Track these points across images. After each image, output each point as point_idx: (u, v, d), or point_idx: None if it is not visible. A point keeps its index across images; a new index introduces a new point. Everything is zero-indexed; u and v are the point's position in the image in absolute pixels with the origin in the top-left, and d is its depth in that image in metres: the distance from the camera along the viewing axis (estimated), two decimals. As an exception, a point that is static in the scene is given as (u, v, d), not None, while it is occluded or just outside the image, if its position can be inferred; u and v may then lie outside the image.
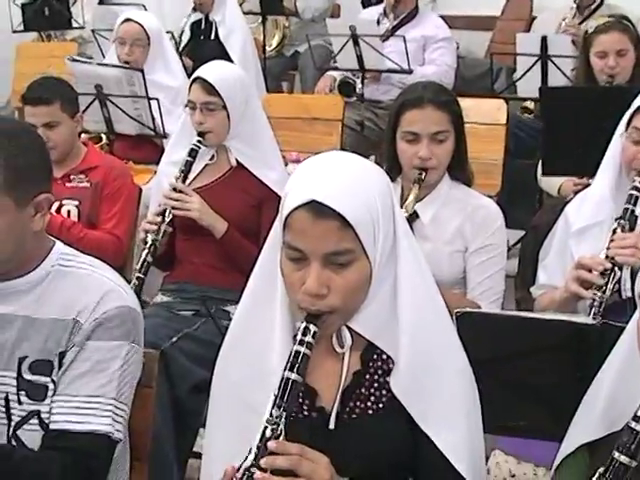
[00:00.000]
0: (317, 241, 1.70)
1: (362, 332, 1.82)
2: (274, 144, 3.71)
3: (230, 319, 1.99)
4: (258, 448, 1.64)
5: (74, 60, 5.10)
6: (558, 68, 5.04)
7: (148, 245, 3.45)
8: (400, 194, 3.06)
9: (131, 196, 3.93)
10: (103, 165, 3.91)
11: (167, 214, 3.47)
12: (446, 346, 1.86)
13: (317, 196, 1.69)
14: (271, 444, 1.63)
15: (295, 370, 1.68)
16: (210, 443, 1.96)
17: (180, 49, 6.26)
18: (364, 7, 7.03)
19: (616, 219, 2.77)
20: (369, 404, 1.85)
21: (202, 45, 6.31)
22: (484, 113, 4.85)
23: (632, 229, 2.77)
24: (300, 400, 1.83)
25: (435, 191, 3.08)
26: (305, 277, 1.72)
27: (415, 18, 5.98)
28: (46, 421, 2.09)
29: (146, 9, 6.69)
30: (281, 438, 1.65)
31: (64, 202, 3.79)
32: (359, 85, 5.74)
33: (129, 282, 3.08)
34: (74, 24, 7.38)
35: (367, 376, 1.86)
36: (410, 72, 5.59)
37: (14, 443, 2.10)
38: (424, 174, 3.00)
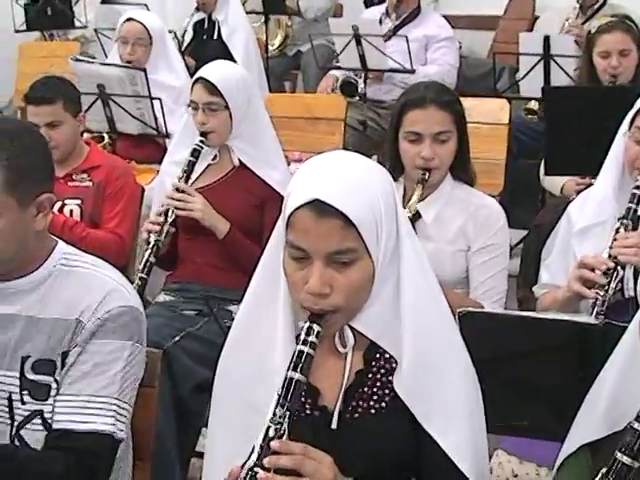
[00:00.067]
0: (320, 240, 1.70)
1: (365, 332, 1.82)
2: (276, 144, 3.71)
3: (233, 319, 1.99)
4: (261, 447, 1.64)
5: (77, 60, 5.10)
6: (561, 68, 5.03)
7: (151, 245, 3.45)
8: (402, 194, 3.06)
9: (133, 195, 3.93)
10: (105, 164, 3.91)
11: (170, 214, 3.47)
12: (449, 346, 1.86)
13: (320, 195, 1.69)
14: (274, 443, 1.63)
15: (299, 370, 1.68)
16: (212, 443, 1.96)
17: (183, 48, 6.26)
18: (366, 7, 7.03)
19: (619, 218, 2.77)
20: (372, 403, 1.85)
21: (205, 44, 6.31)
22: (487, 113, 4.85)
23: (635, 228, 2.77)
24: (302, 399, 1.83)
25: (437, 191, 3.08)
26: (308, 276, 1.72)
27: (417, 18, 5.97)
28: (49, 421, 2.10)
29: (149, 8, 6.68)
30: (284, 437, 1.65)
31: (66, 201, 3.79)
32: (361, 85, 5.73)
33: (132, 282, 3.09)
34: (77, 24, 7.38)
35: (370, 375, 1.86)
36: (412, 72, 5.58)
37: (17, 443, 2.10)
38: (427, 174, 3.00)
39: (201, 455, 2.13)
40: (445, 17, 6.14)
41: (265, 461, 1.62)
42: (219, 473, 1.73)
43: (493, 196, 3.46)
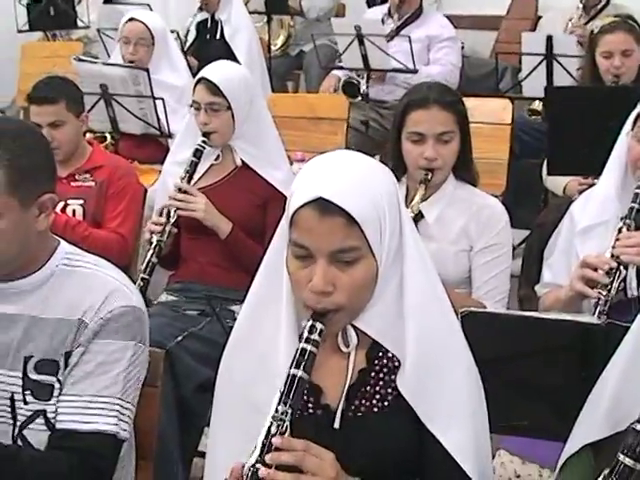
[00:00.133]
0: (323, 238, 1.71)
1: (368, 331, 1.82)
2: (279, 144, 3.71)
3: (235, 319, 1.99)
4: (263, 444, 1.64)
5: (79, 60, 5.10)
6: (563, 68, 5.03)
7: (153, 246, 3.45)
8: (405, 194, 3.06)
9: (136, 195, 3.93)
10: (108, 164, 3.91)
11: (172, 215, 3.47)
12: (452, 345, 1.86)
13: (324, 193, 1.70)
14: (276, 440, 1.63)
15: (301, 367, 1.68)
16: (214, 442, 1.96)
17: (185, 48, 6.26)
18: (369, 7, 7.03)
19: (621, 218, 2.77)
20: (374, 402, 1.85)
21: (207, 44, 6.31)
22: (489, 113, 4.85)
23: (638, 228, 2.77)
24: (305, 398, 1.83)
25: (440, 191, 3.08)
26: (311, 275, 1.73)
27: (419, 18, 5.97)
28: (52, 421, 2.09)
29: (151, 9, 6.69)
30: (286, 435, 1.65)
31: (69, 201, 3.79)
32: (364, 85, 5.73)
33: (134, 282, 3.09)
34: (79, 24, 7.38)
35: (372, 374, 1.86)
36: (415, 72, 5.58)
37: (20, 443, 2.10)
38: (430, 175, 3.00)
39: (203, 455, 2.14)
40: (447, 17, 6.14)
41: (267, 458, 1.62)
42: (220, 472, 1.73)
43: (496, 196, 3.46)
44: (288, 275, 1.79)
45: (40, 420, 2.10)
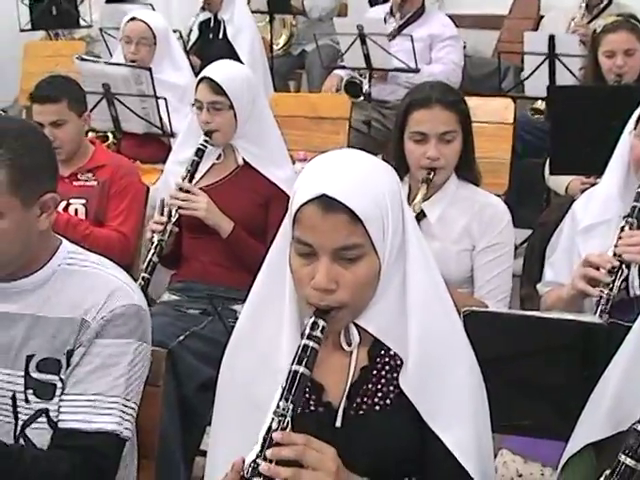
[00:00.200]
0: (326, 235, 1.71)
1: (370, 329, 1.83)
2: (281, 143, 3.71)
3: (237, 318, 1.99)
4: (264, 440, 1.64)
5: (82, 59, 5.10)
6: (566, 67, 5.02)
7: (154, 245, 3.46)
8: (407, 194, 3.06)
9: (138, 194, 3.93)
10: (110, 164, 3.91)
11: (173, 214, 3.47)
12: (454, 344, 1.86)
13: (327, 190, 1.70)
14: (276, 435, 1.63)
15: (303, 364, 1.69)
16: (215, 440, 1.96)
17: (188, 48, 6.26)
18: (371, 6, 7.02)
19: (624, 217, 2.77)
20: (376, 400, 1.85)
21: (210, 44, 6.31)
22: (491, 112, 4.84)
23: (640, 227, 2.77)
24: (307, 395, 1.83)
25: (442, 190, 3.08)
26: (314, 272, 1.73)
27: (422, 17, 5.97)
28: (54, 420, 2.10)
29: (154, 8, 6.69)
30: (287, 430, 1.65)
31: (71, 201, 3.80)
32: (366, 85, 5.73)
33: (136, 281, 3.09)
34: (82, 23, 7.38)
35: (374, 372, 1.86)
36: (417, 71, 5.59)
37: (22, 442, 2.10)
38: (432, 174, 3.00)
39: (205, 454, 2.13)
40: (450, 16, 6.14)
41: (267, 453, 1.62)
42: (221, 470, 1.73)
43: (498, 195, 3.46)
44: (291, 273, 1.79)
45: (42, 419, 2.10)
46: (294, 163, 4.11)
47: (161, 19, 5.43)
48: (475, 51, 7.30)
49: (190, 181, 3.52)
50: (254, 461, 1.63)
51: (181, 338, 3.23)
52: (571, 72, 5.02)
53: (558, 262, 2.96)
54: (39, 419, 2.10)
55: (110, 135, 5.00)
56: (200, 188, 3.52)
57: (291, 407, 1.65)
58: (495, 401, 1.92)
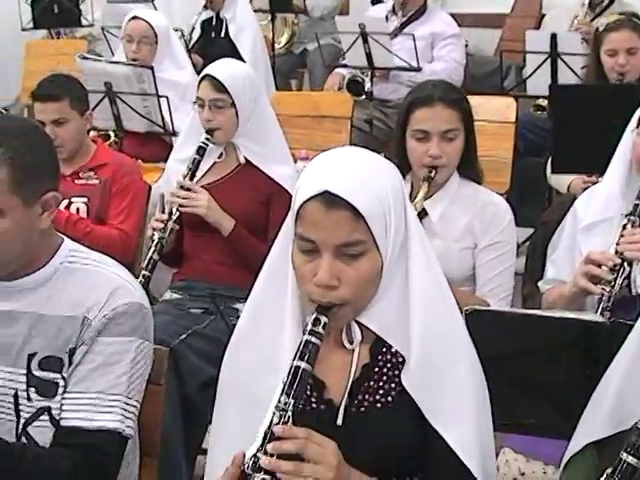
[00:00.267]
0: (329, 232, 1.71)
1: (372, 327, 1.83)
2: (283, 142, 3.71)
3: (239, 317, 1.99)
4: (265, 434, 1.64)
5: (84, 58, 5.11)
6: (568, 66, 5.02)
7: (154, 243, 3.46)
8: (409, 192, 3.06)
9: (140, 192, 3.93)
10: (112, 162, 3.91)
11: (174, 212, 3.48)
12: (457, 342, 1.86)
13: (330, 187, 1.71)
14: (277, 428, 1.63)
15: (305, 359, 1.69)
16: (215, 436, 1.96)
17: (190, 46, 6.26)
18: (373, 4, 7.02)
19: (626, 215, 2.77)
20: (378, 397, 1.85)
21: (212, 42, 6.31)
22: (493, 111, 4.84)
23: (643, 225, 2.77)
24: (308, 392, 1.83)
25: (444, 189, 3.08)
26: (316, 269, 1.73)
27: (424, 15, 5.96)
28: (57, 417, 2.10)
29: (156, 7, 6.69)
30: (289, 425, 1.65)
31: (73, 199, 3.80)
32: (368, 83, 5.73)
33: (137, 279, 3.09)
34: (83, 22, 7.38)
35: (376, 369, 1.86)
36: (419, 70, 5.59)
37: (24, 440, 2.10)
38: (434, 172, 3.00)
39: (207, 452, 2.15)
40: (452, 15, 6.14)
41: (268, 447, 1.62)
42: (222, 465, 1.72)
43: (500, 194, 3.46)
44: (293, 270, 1.80)
45: (45, 417, 2.10)
46: (296, 162, 4.11)
47: (162, 18, 5.44)
48: (477, 50, 7.30)
49: (191, 179, 3.52)
50: (255, 455, 1.63)
51: (183, 337, 3.23)
52: (573, 71, 5.01)
53: (560, 260, 2.96)
54: (41, 417, 2.10)
55: (112, 134, 5.01)
56: (201, 186, 3.52)
57: (292, 402, 1.66)
58: (497, 400, 1.92)
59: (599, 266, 2.70)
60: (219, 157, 3.62)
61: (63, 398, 2.09)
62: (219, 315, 3.36)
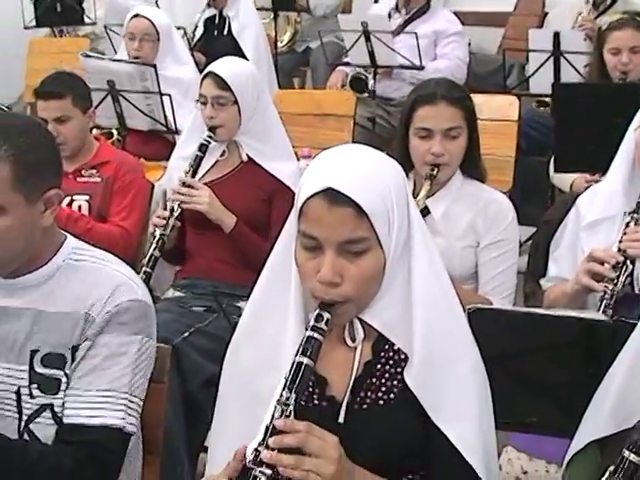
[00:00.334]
0: (332, 229, 1.72)
1: (374, 324, 1.83)
2: (286, 139, 3.71)
3: (241, 315, 1.99)
4: (267, 428, 1.64)
5: (87, 56, 5.10)
6: (571, 64, 5.01)
7: (156, 240, 3.46)
8: (412, 190, 3.05)
9: (142, 190, 3.93)
10: (115, 160, 3.92)
11: (175, 208, 3.48)
12: (459, 340, 1.86)
13: (333, 184, 1.71)
14: (279, 422, 1.63)
15: (307, 355, 1.69)
16: (216, 434, 1.96)
17: (193, 44, 6.27)
18: (375, 1, 7.01)
19: (629, 213, 2.77)
20: (380, 394, 1.85)
21: (215, 40, 6.32)
22: (496, 109, 4.83)
23: (645, 223, 2.77)
24: (310, 389, 1.84)
25: (446, 187, 3.08)
26: (319, 266, 1.74)
27: (427, 13, 5.96)
28: (59, 414, 2.10)
29: (158, 5, 6.69)
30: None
31: (75, 197, 3.80)
32: (371, 81, 5.72)
33: (138, 276, 3.09)
34: (86, 20, 7.39)
35: (378, 366, 1.86)
36: (421, 68, 5.58)
37: (26, 437, 2.10)
38: (436, 170, 3.00)
39: (209, 450, 2.15)
40: (454, 13, 6.13)
41: (270, 441, 1.62)
42: (223, 461, 1.72)
43: (502, 193, 3.45)
44: (297, 267, 1.80)
45: (47, 414, 2.10)
46: (298, 160, 4.10)
47: (164, 15, 5.45)
48: (480, 48, 7.29)
49: (193, 176, 3.53)
50: (256, 449, 1.63)
51: (186, 335, 3.24)
52: (576, 69, 5.01)
53: (562, 257, 2.95)
54: (43, 414, 2.10)
55: (115, 132, 5.01)
56: (204, 184, 3.52)
57: (294, 397, 1.66)
58: (500, 398, 1.92)
59: (602, 264, 2.70)
60: (221, 155, 3.62)
61: (65, 395, 2.10)
62: (221, 313, 3.37)
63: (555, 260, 2.98)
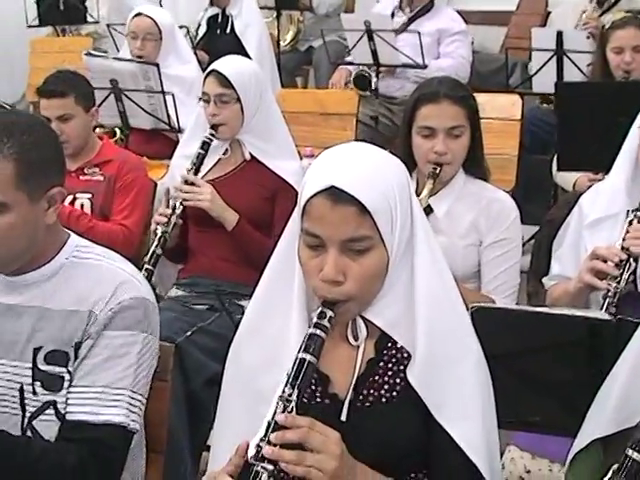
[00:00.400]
0: (335, 227, 1.72)
1: (377, 322, 1.83)
2: (289, 138, 3.71)
3: (244, 313, 1.99)
4: (268, 424, 1.64)
5: (90, 54, 5.11)
6: (574, 63, 5.02)
7: (157, 237, 3.46)
8: (415, 189, 3.05)
9: (144, 189, 3.93)
10: (117, 159, 3.92)
11: (178, 206, 3.48)
12: (462, 339, 1.86)
13: (336, 182, 1.71)
14: (281, 417, 1.63)
15: (310, 351, 1.69)
16: (219, 431, 1.97)
17: (196, 43, 6.27)
18: (378, 0, 7.01)
19: (632, 211, 2.77)
20: (382, 392, 1.85)
21: (218, 39, 6.32)
22: (499, 108, 4.83)
23: (648, 221, 2.77)
24: (313, 387, 1.84)
25: (449, 186, 3.08)
26: (322, 264, 1.74)
27: (430, 11, 5.95)
28: (62, 412, 2.10)
29: (161, 4, 6.69)
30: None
31: (77, 195, 3.81)
32: (374, 80, 5.72)
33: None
34: (89, 19, 7.40)
35: (381, 364, 1.86)
36: (424, 67, 5.58)
37: (29, 434, 2.11)
38: (439, 169, 2.99)
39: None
40: (457, 12, 6.13)
41: (272, 436, 1.62)
42: (225, 458, 1.72)
43: (505, 192, 3.45)
44: (300, 265, 1.80)
45: (50, 411, 2.10)
46: (301, 159, 4.10)
47: (167, 14, 5.45)
48: (482, 47, 7.29)
49: (195, 174, 3.53)
50: (258, 445, 1.63)
51: (188, 333, 3.24)
52: (579, 68, 5.01)
53: (565, 256, 2.95)
54: (47, 411, 2.10)
55: (117, 131, 5.01)
56: (207, 182, 3.52)
57: (296, 393, 1.66)
58: (502, 397, 1.92)
59: (605, 261, 2.70)
60: (224, 153, 3.62)
61: (68, 392, 2.10)
62: (224, 312, 3.37)
63: (558, 259, 2.98)
